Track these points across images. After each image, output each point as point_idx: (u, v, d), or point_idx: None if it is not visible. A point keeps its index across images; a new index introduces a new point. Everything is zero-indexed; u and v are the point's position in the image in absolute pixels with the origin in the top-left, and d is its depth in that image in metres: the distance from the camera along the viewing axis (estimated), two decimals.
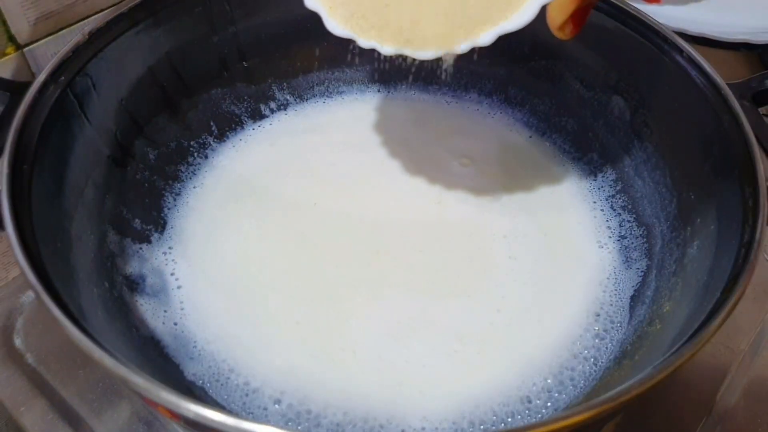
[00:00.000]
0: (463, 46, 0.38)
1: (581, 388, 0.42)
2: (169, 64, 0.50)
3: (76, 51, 0.42)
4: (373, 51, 0.40)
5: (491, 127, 0.58)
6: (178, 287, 0.46)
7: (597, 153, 0.54)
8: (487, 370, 0.42)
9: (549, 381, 0.42)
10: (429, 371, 0.42)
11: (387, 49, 0.39)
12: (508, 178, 0.54)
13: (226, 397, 0.41)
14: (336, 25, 0.40)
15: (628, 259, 0.48)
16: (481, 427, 0.40)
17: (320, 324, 0.44)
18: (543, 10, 0.36)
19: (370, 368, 0.42)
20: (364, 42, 0.40)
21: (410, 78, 0.61)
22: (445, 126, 0.58)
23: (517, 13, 0.36)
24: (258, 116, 0.57)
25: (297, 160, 0.55)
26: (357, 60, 0.54)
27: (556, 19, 0.35)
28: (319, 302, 0.45)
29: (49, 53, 0.50)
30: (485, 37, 0.37)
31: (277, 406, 0.40)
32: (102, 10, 0.52)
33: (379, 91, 0.61)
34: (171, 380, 0.40)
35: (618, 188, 0.52)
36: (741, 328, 0.48)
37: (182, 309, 0.45)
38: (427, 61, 0.40)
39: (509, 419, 0.40)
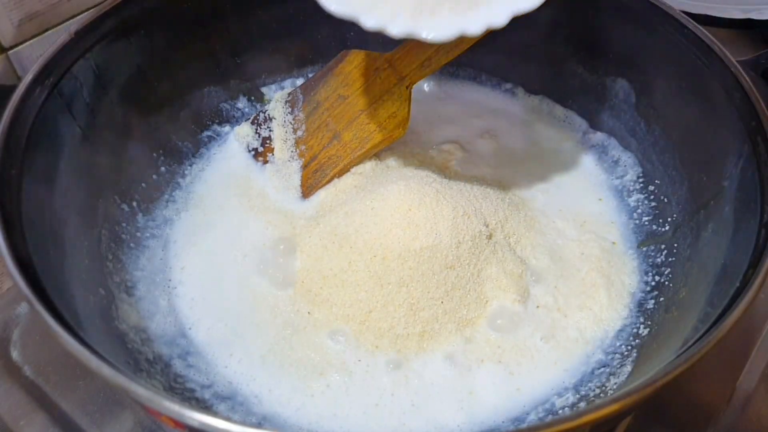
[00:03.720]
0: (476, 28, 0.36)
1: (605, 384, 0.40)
2: (160, 61, 0.48)
3: (63, 51, 0.41)
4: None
5: (500, 113, 0.57)
6: (175, 291, 0.44)
7: (604, 138, 0.53)
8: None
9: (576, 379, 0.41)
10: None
11: (396, 29, 0.35)
12: (523, 161, 0.53)
13: (225, 403, 0.39)
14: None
15: (640, 245, 0.47)
16: None
17: (326, 334, 0.42)
18: None
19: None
20: (370, 21, 0.35)
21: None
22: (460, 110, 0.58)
23: None
24: (252, 112, 0.56)
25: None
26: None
27: None
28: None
29: (34, 55, 0.49)
30: (499, 17, 0.35)
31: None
32: (88, 9, 0.50)
33: None
34: (171, 387, 0.38)
35: (627, 173, 0.51)
36: (758, 311, 0.47)
37: (179, 314, 0.43)
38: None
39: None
